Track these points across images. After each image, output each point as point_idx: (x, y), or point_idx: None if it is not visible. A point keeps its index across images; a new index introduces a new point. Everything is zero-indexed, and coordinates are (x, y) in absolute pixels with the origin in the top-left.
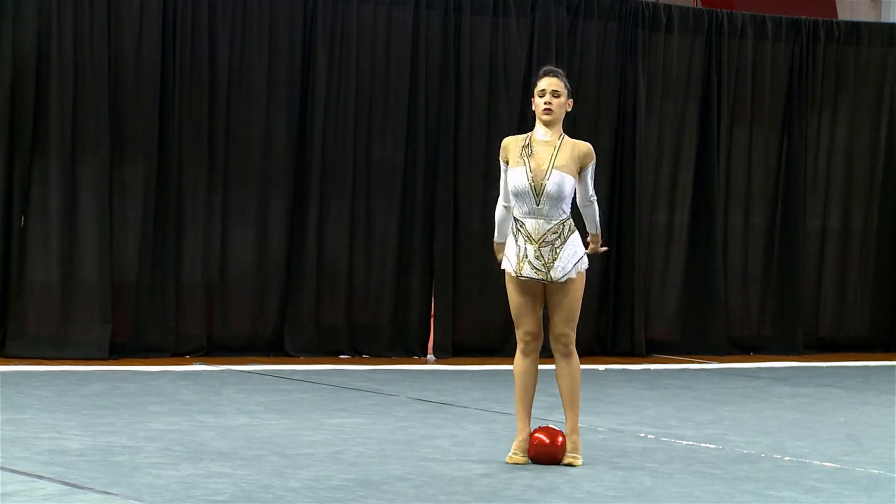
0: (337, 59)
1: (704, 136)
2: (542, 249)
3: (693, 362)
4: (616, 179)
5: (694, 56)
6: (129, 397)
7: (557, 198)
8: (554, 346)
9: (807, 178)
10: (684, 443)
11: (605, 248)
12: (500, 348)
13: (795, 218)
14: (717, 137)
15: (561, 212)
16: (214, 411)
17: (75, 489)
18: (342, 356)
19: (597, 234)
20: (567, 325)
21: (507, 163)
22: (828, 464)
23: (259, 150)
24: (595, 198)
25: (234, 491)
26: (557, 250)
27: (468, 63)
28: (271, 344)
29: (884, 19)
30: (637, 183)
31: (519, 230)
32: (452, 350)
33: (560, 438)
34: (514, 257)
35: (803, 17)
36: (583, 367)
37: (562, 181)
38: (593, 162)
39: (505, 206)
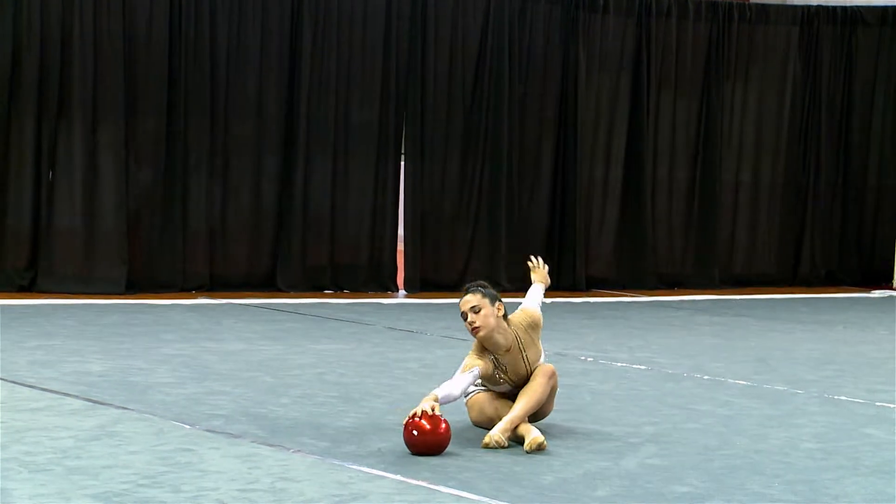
0: (321, 35)
1: (635, 103)
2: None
3: (626, 296)
4: (560, 141)
5: (626, 34)
6: (143, 327)
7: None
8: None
9: (722, 137)
10: (619, 364)
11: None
12: (461, 283)
13: (713, 172)
14: (646, 104)
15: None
16: (216, 339)
17: (97, 405)
18: (326, 291)
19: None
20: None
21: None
22: (740, 381)
23: (254, 115)
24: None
25: (233, 406)
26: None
27: (433, 39)
28: (265, 281)
29: (788, 2)
30: (578, 144)
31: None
32: (420, 285)
33: (443, 425)
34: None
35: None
36: None
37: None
38: (529, 325)
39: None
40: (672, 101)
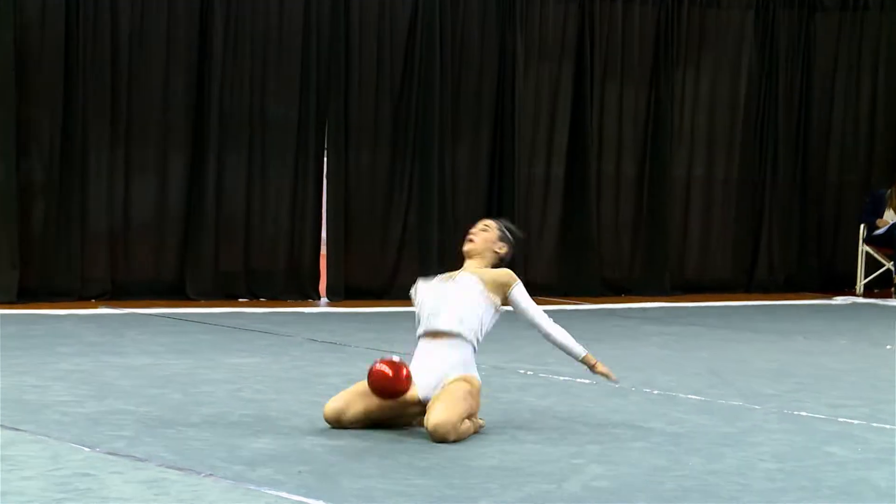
0: (233, 20)
1: (578, 93)
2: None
3: (569, 303)
4: (497, 136)
5: (568, 19)
6: (37, 339)
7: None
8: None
9: (673, 129)
10: (561, 378)
11: (612, 379)
12: (389, 291)
13: (663, 167)
14: (590, 94)
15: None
16: (119, 352)
17: None
18: (240, 299)
19: (586, 355)
20: (443, 415)
21: None
22: (693, 396)
23: (159, 107)
24: (541, 321)
25: (137, 427)
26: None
27: (357, 24)
28: (172, 288)
29: None
30: (517, 138)
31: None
32: (345, 293)
33: (404, 370)
34: None
35: None
36: None
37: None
38: (512, 291)
39: None
40: (618, 91)
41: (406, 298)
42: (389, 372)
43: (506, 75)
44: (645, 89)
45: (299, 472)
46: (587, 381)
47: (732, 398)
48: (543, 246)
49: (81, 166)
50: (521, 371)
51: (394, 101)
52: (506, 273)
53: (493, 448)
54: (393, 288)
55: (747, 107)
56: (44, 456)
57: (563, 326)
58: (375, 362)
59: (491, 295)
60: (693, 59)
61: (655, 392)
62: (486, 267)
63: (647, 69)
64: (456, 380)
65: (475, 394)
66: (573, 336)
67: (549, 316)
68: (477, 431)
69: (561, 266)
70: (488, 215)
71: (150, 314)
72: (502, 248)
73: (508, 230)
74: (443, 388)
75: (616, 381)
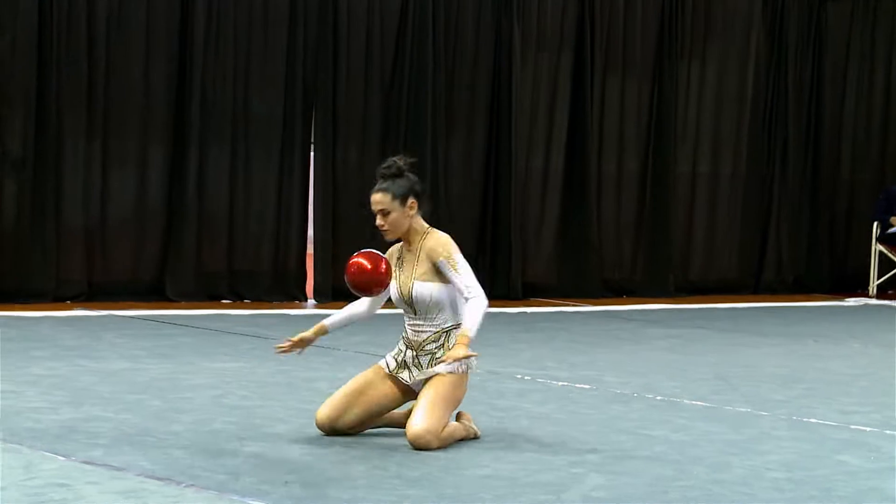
0: (216, 7)
1: (578, 85)
2: (420, 358)
3: (568, 305)
4: (493, 130)
5: (568, 8)
6: (9, 343)
7: (428, 308)
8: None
9: (677, 124)
10: (559, 384)
11: (470, 355)
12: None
13: (666, 163)
14: (590, 86)
15: (442, 320)
16: (95, 356)
17: None
18: (223, 301)
19: (465, 335)
20: (424, 423)
21: None
22: (698, 403)
23: (138, 98)
24: (474, 293)
25: (115, 434)
26: (437, 359)
27: (345, 13)
28: (152, 289)
29: None
30: (514, 133)
31: (402, 335)
32: (332, 294)
33: (383, 264)
34: (393, 361)
35: None
36: None
37: (426, 291)
38: (444, 257)
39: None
40: (620, 83)
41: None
42: (368, 265)
43: (502, 66)
44: (648, 81)
45: (286, 482)
46: (587, 387)
47: (739, 404)
48: (541, 245)
49: (56, 159)
50: (518, 376)
51: (384, 93)
52: (435, 242)
53: (487, 456)
54: None
55: (755, 100)
56: (16, 465)
57: (562, 330)
58: (353, 256)
59: (439, 279)
60: (698, 49)
61: (658, 398)
62: (420, 232)
63: (649, 61)
64: (441, 375)
65: (459, 383)
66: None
67: (481, 297)
68: (472, 438)
69: (560, 266)
70: (483, 213)
71: (129, 316)
72: (412, 205)
73: (395, 177)
74: (429, 381)
75: (474, 366)
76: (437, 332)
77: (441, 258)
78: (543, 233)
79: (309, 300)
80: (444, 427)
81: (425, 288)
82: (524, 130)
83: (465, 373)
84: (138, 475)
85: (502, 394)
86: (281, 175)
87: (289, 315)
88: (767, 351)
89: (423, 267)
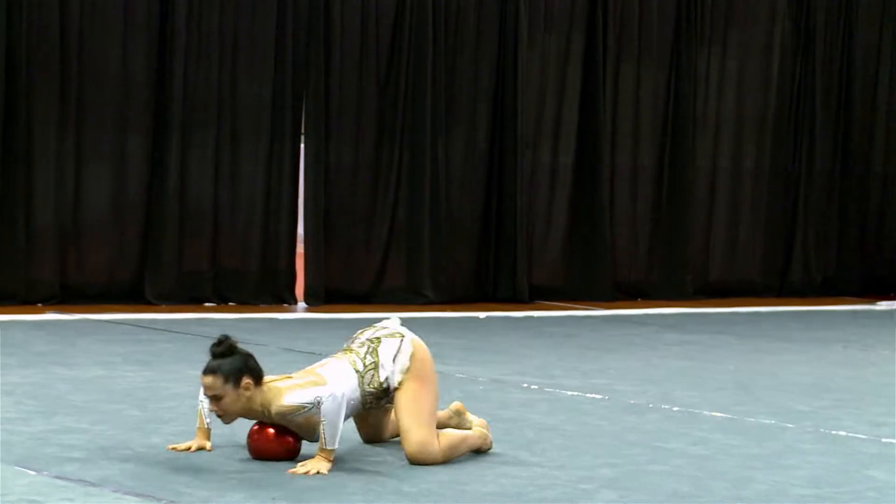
0: None
1: (589, 71)
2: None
3: (578, 309)
4: (497, 118)
5: None
6: None
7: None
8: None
9: (696, 115)
10: (569, 393)
11: (325, 472)
12: (374, 294)
13: (684, 157)
14: (602, 73)
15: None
16: (69, 363)
17: None
18: (207, 304)
19: (324, 447)
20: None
21: None
22: (717, 413)
23: (115, 84)
24: (323, 399)
25: (90, 448)
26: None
27: None
28: (130, 291)
29: None
30: (519, 121)
31: None
32: (325, 296)
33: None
34: None
35: None
36: (463, 314)
37: (294, 418)
38: (293, 409)
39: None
40: (635, 69)
41: (393, 303)
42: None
43: (507, 50)
44: (665, 69)
45: (273, 499)
46: (598, 397)
47: (762, 416)
48: (549, 244)
49: (25, 150)
50: (525, 385)
51: (380, 78)
52: (281, 409)
53: (492, 471)
54: (379, 292)
55: (780, 89)
56: None
57: (572, 336)
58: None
59: (307, 424)
60: (719, 34)
61: (675, 409)
62: (260, 411)
63: (667, 46)
64: (402, 384)
65: (428, 379)
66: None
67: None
68: (487, 450)
69: (569, 267)
70: (486, 210)
71: (105, 320)
72: (246, 384)
73: (223, 356)
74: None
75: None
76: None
77: (292, 414)
78: (551, 231)
79: (299, 303)
80: (434, 432)
81: (291, 419)
82: (530, 120)
83: (425, 377)
84: (115, 491)
85: (507, 404)
86: (269, 167)
87: (277, 319)
88: (792, 358)
89: (279, 416)
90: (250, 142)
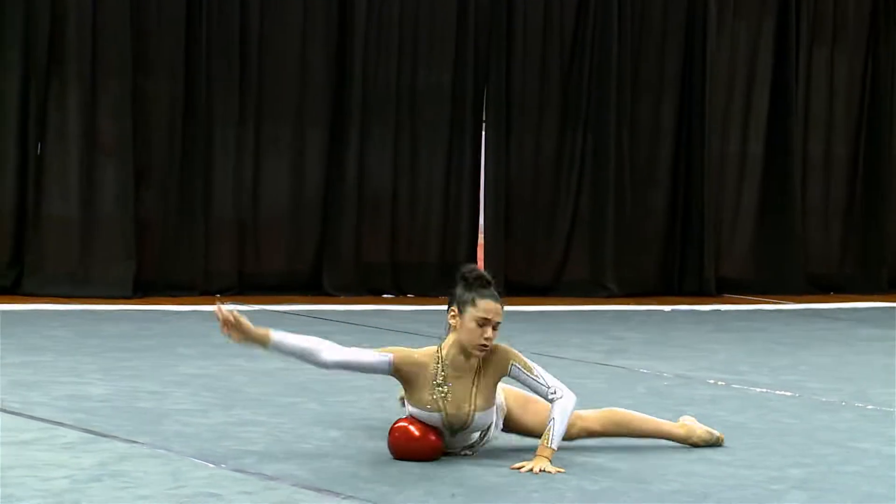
0: None
1: (781, 57)
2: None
3: (767, 302)
4: (684, 107)
5: None
6: (154, 339)
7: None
8: None
9: (893, 104)
10: (758, 390)
11: (558, 471)
12: (556, 286)
13: (880, 146)
14: (794, 59)
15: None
16: (247, 354)
17: (98, 437)
18: (385, 295)
19: (548, 447)
20: None
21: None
22: None
23: (294, 77)
24: (559, 394)
25: (268, 441)
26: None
27: None
28: (308, 282)
29: None
30: (707, 110)
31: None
32: (506, 289)
33: (432, 435)
34: None
35: None
36: (648, 307)
37: (483, 422)
38: (516, 362)
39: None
40: (829, 55)
41: (574, 295)
42: (416, 433)
43: (695, 36)
44: (861, 54)
45: (452, 495)
46: (789, 394)
47: None
48: (737, 236)
49: (206, 144)
50: (711, 381)
51: (563, 66)
52: (502, 355)
53: (675, 469)
54: (560, 283)
55: None
56: (163, 472)
57: (761, 330)
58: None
59: (493, 399)
60: None
61: (870, 407)
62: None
63: (863, 30)
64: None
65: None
66: None
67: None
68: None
69: (758, 260)
70: (672, 202)
71: (283, 311)
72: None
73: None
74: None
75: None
76: (476, 440)
77: (512, 364)
78: (740, 223)
79: None
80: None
81: (484, 418)
82: (719, 108)
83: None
84: (293, 485)
85: (693, 400)
86: (449, 158)
87: None
88: None
89: (485, 392)
90: (430, 133)
